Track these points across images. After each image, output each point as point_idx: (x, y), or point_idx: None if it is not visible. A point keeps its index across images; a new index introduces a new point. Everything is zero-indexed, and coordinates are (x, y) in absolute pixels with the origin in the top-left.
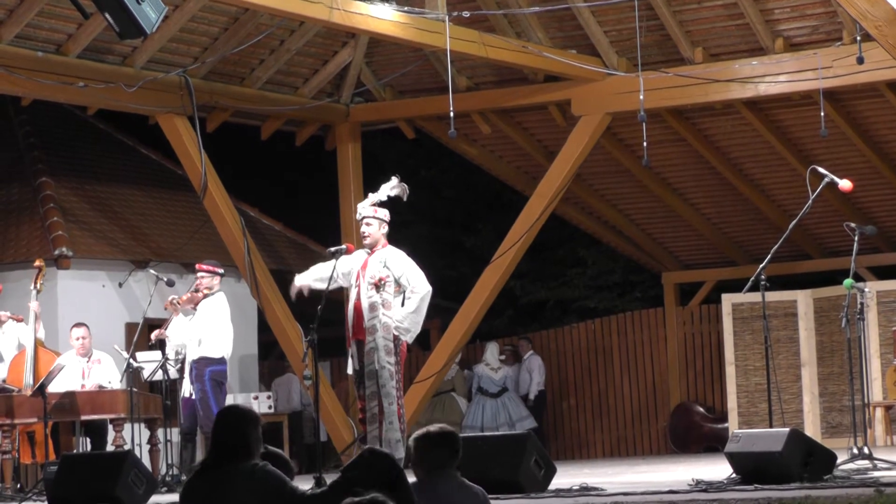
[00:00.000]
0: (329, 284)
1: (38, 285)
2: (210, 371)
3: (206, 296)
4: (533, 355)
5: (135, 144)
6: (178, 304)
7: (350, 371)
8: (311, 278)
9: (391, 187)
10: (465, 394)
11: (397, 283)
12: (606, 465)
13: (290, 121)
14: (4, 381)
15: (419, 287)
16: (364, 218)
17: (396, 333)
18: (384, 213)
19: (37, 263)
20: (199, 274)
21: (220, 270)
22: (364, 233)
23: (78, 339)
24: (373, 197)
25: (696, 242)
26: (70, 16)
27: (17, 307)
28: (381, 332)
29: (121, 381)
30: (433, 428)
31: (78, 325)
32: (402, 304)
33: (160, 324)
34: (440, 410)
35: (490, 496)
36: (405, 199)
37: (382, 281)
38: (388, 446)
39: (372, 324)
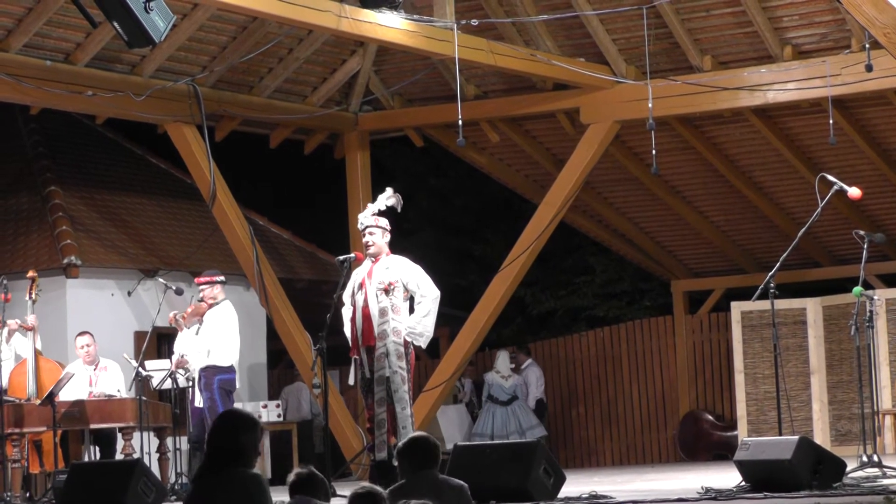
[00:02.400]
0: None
1: (34, 296)
2: (218, 380)
3: (211, 306)
4: (531, 365)
5: (143, 153)
6: (183, 318)
7: (352, 382)
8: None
9: (387, 197)
10: (449, 401)
11: (405, 288)
12: (615, 474)
13: (298, 129)
14: (5, 391)
15: (428, 291)
16: (367, 227)
17: (409, 339)
18: (385, 222)
19: (30, 274)
20: (200, 287)
21: (219, 278)
22: (368, 242)
23: (83, 347)
24: (372, 207)
25: (705, 250)
26: (78, 25)
27: (24, 316)
28: (391, 336)
29: (129, 390)
30: (403, 441)
31: (82, 333)
32: (411, 311)
33: (168, 333)
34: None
35: None
36: (399, 209)
37: (392, 286)
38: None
39: (382, 329)
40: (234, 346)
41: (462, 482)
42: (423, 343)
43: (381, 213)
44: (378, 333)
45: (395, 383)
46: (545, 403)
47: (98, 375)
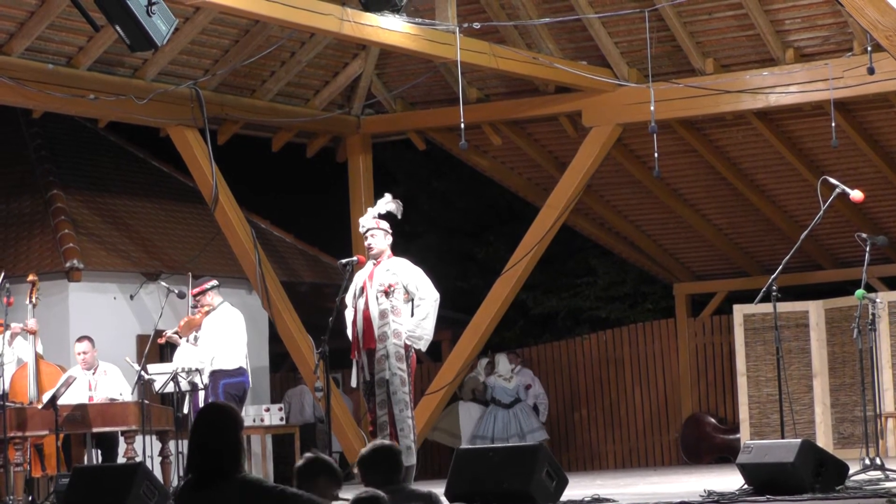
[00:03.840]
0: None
1: (34, 299)
2: (224, 384)
3: (207, 313)
4: (523, 370)
5: (146, 157)
6: (177, 332)
7: (354, 384)
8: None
9: (385, 203)
10: (473, 398)
11: (406, 290)
12: (618, 477)
13: (300, 132)
14: (6, 395)
15: (428, 294)
16: (368, 230)
17: (408, 342)
18: (387, 225)
19: (30, 278)
20: (195, 298)
21: (209, 284)
22: (370, 245)
23: (80, 353)
24: (372, 210)
25: (708, 253)
26: (81, 28)
27: (25, 320)
28: (391, 338)
29: (132, 393)
30: (365, 450)
31: (80, 339)
32: (412, 313)
33: (171, 344)
34: (439, 419)
35: None
36: (399, 216)
37: (392, 287)
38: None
39: (383, 331)
40: (237, 347)
41: (430, 491)
42: (422, 346)
43: (382, 217)
44: (378, 336)
45: (393, 385)
46: (537, 407)
47: (97, 380)
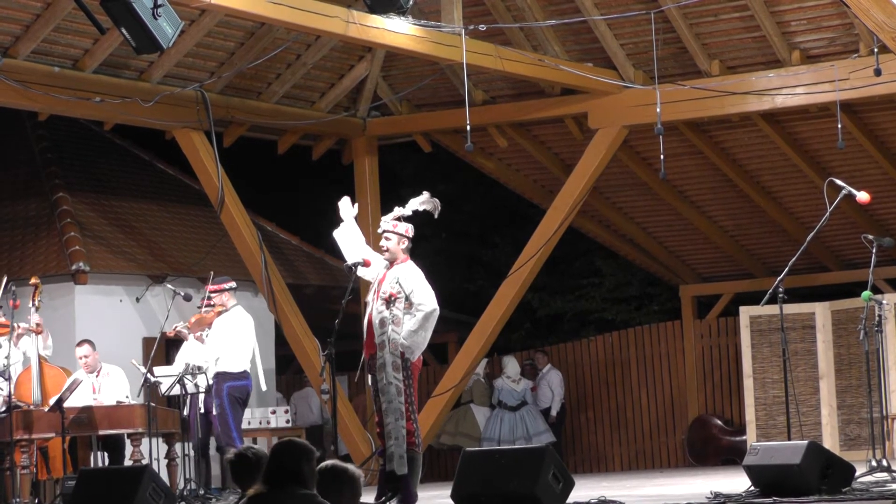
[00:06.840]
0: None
1: (37, 302)
2: (228, 387)
3: (220, 313)
4: (552, 369)
5: (151, 159)
6: (187, 328)
7: (370, 382)
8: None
9: (421, 202)
10: (485, 403)
11: (408, 299)
12: (625, 479)
13: (306, 135)
14: (12, 396)
15: (424, 305)
16: (384, 232)
17: (401, 349)
18: (404, 228)
19: (32, 281)
20: (210, 295)
21: (228, 285)
22: (382, 247)
23: (81, 358)
24: (398, 210)
25: (714, 255)
26: (86, 31)
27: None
28: (388, 347)
29: (138, 395)
30: (277, 443)
31: (80, 343)
32: None
33: (177, 339)
34: (453, 423)
35: None
36: (436, 215)
37: (392, 297)
38: (392, 462)
39: (381, 339)
40: (243, 351)
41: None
42: (412, 357)
43: (408, 219)
44: (378, 343)
45: (389, 394)
46: (565, 408)
47: (101, 382)
